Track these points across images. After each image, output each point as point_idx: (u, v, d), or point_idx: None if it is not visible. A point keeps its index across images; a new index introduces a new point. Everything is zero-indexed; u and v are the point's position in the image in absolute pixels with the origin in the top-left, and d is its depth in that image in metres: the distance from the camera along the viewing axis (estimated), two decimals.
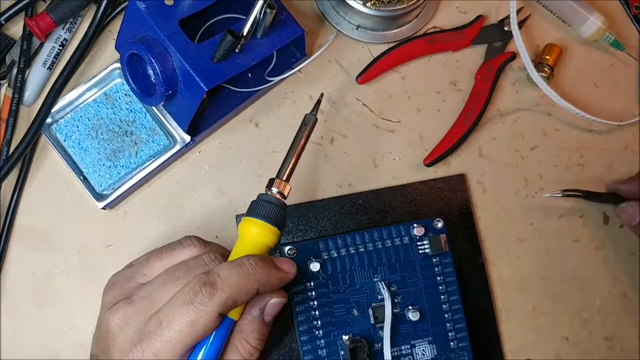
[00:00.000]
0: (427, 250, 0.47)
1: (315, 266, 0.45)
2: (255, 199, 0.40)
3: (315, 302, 0.45)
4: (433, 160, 0.49)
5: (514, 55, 0.51)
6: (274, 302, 0.39)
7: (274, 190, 0.40)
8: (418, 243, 0.47)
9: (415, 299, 0.46)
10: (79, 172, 0.47)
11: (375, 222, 0.48)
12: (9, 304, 0.46)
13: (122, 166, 0.47)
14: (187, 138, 0.47)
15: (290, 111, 0.50)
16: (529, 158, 0.51)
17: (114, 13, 0.48)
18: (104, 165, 0.47)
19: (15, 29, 0.49)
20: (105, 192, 0.47)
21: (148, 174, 0.47)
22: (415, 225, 0.47)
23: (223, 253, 0.40)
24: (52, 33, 0.47)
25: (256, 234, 0.39)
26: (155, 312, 0.35)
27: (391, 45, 0.51)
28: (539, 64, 0.51)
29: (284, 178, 0.40)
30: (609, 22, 0.52)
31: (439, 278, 0.47)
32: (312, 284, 0.45)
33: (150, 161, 0.47)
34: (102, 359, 0.37)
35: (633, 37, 0.54)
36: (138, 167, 0.47)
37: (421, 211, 0.49)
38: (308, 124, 0.41)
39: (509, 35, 0.51)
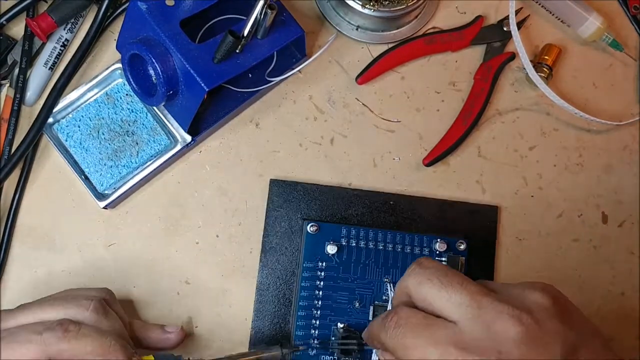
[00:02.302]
0: None
1: (332, 249, 0.46)
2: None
3: (322, 283, 0.46)
4: (432, 160, 0.49)
5: (513, 56, 0.51)
6: None
7: None
8: (437, 258, 0.47)
9: None
10: (80, 171, 0.47)
11: (400, 226, 0.48)
12: (10, 303, 0.46)
13: (124, 166, 0.47)
14: (188, 138, 0.47)
15: (290, 111, 0.50)
16: (528, 158, 0.51)
17: (115, 14, 0.49)
18: (105, 165, 0.47)
19: (17, 30, 0.49)
20: (106, 192, 0.47)
21: (149, 173, 0.47)
22: (439, 240, 0.47)
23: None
24: (53, 33, 0.48)
25: None
26: None
27: (391, 45, 0.51)
28: (538, 64, 0.51)
29: None
30: (607, 22, 0.52)
31: None
32: (324, 264, 0.46)
33: (152, 161, 0.47)
34: None
35: (632, 37, 0.54)
36: (139, 166, 0.47)
37: (449, 228, 0.48)
38: (268, 354, 0.43)
39: (508, 36, 0.51)
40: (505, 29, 0.52)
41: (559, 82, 0.52)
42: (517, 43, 0.50)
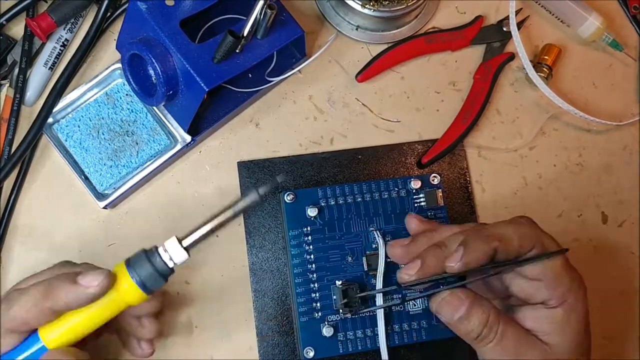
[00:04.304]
0: (422, 204, 0.47)
1: (313, 211, 0.46)
2: (148, 249, 0.36)
3: (311, 247, 0.46)
4: (431, 159, 0.49)
5: (512, 56, 0.51)
6: None
7: (167, 253, 0.36)
8: (414, 197, 0.47)
9: None
10: (80, 171, 0.47)
11: (373, 176, 0.49)
12: None
13: (123, 166, 0.47)
14: (188, 138, 0.47)
15: (290, 111, 0.50)
16: (528, 158, 0.51)
17: (115, 14, 0.49)
18: (105, 164, 0.47)
19: (17, 30, 0.49)
20: (106, 192, 0.47)
21: (149, 173, 0.47)
22: (412, 178, 0.47)
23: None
24: (53, 33, 0.48)
25: (124, 290, 0.36)
26: None
27: (391, 45, 0.51)
28: (537, 64, 0.51)
29: (185, 244, 0.36)
30: (607, 22, 0.52)
31: None
32: (309, 228, 0.46)
33: (151, 161, 0.47)
34: None
35: (631, 37, 0.54)
36: (139, 166, 0.47)
37: (419, 170, 0.50)
38: (246, 200, 0.36)
39: (508, 36, 0.51)
40: (505, 29, 0.52)
41: (558, 82, 0.53)
42: (518, 43, 0.50)
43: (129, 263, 0.36)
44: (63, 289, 0.35)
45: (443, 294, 0.40)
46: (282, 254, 0.47)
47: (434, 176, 0.48)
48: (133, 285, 0.35)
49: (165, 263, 0.36)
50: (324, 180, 0.49)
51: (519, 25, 0.52)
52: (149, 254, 0.36)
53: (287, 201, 0.46)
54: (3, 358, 0.36)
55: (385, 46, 0.51)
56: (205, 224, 0.36)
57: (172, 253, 0.36)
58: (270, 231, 0.48)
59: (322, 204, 0.47)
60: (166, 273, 0.36)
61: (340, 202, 0.47)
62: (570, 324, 0.39)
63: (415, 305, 0.46)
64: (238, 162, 0.48)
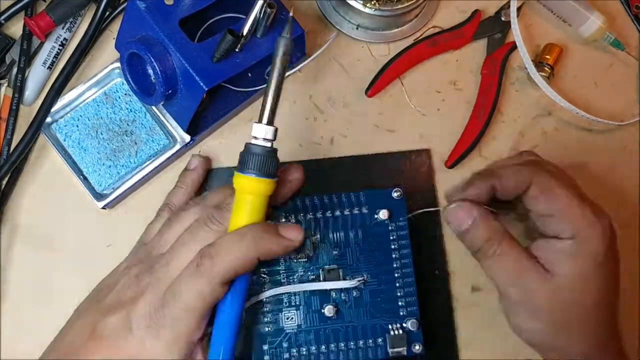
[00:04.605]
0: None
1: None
2: (243, 149, 0.39)
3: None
4: (455, 160, 0.49)
5: (515, 45, 0.51)
6: None
7: (259, 136, 0.38)
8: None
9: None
10: (78, 171, 0.47)
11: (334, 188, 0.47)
12: (9, 304, 0.46)
13: (122, 166, 0.47)
14: (187, 138, 0.47)
15: (290, 111, 0.50)
16: None
17: (114, 14, 0.48)
18: (103, 164, 0.47)
19: (15, 29, 0.49)
20: (105, 192, 0.47)
21: (148, 173, 0.47)
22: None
23: (220, 204, 0.41)
24: (52, 33, 0.48)
25: (253, 192, 0.38)
26: (170, 284, 0.38)
27: (391, 44, 0.51)
28: (539, 64, 0.51)
29: (265, 122, 0.38)
30: (609, 22, 0.52)
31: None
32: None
33: (150, 161, 0.47)
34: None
35: (633, 37, 0.54)
36: (138, 166, 0.47)
37: (385, 181, 0.49)
38: (284, 50, 0.38)
39: (507, 26, 0.51)
40: (503, 18, 0.52)
41: (560, 82, 0.52)
42: (519, 45, 0.50)
43: (241, 168, 0.38)
44: (271, 240, 0.39)
45: (455, 206, 0.41)
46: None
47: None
48: (259, 182, 0.38)
49: (263, 146, 0.38)
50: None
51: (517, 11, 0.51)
52: (249, 147, 0.38)
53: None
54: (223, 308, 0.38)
55: (386, 45, 0.51)
56: (266, 95, 0.38)
57: (262, 135, 0.38)
58: None
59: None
60: (271, 152, 0.38)
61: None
62: (577, 258, 0.39)
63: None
64: (210, 170, 0.48)
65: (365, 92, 0.50)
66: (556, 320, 0.39)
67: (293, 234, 0.40)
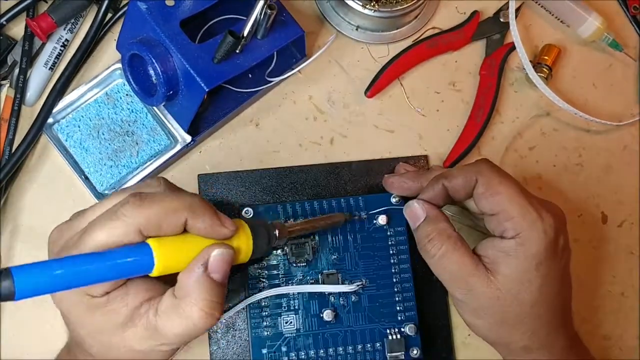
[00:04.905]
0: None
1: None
2: (269, 222, 0.41)
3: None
4: (454, 161, 0.49)
5: (514, 46, 0.51)
6: (216, 255, 0.35)
7: (277, 230, 0.40)
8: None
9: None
10: (80, 171, 0.47)
11: (334, 193, 0.48)
12: (9, 304, 0.46)
13: (123, 166, 0.47)
14: (188, 138, 0.47)
15: (290, 111, 0.50)
16: (527, 158, 0.51)
17: (115, 17, 0.49)
18: (105, 165, 0.47)
19: (17, 30, 0.49)
20: (106, 192, 0.47)
21: (149, 173, 0.47)
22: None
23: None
24: (53, 34, 0.48)
25: (244, 241, 0.38)
26: (86, 226, 0.35)
27: (390, 45, 0.51)
28: (537, 64, 0.51)
29: (289, 229, 0.41)
30: (607, 23, 0.52)
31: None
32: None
33: (151, 161, 0.47)
34: None
35: (631, 37, 0.54)
36: (139, 166, 0.47)
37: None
38: (337, 219, 0.44)
39: (506, 27, 0.52)
40: (502, 19, 0.52)
41: (558, 82, 0.53)
42: (518, 46, 0.50)
43: (253, 230, 0.39)
44: (205, 215, 0.35)
45: (411, 202, 0.43)
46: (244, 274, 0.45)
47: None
48: (249, 249, 0.38)
49: (276, 239, 0.40)
50: (285, 195, 0.48)
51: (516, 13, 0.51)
52: (268, 226, 0.40)
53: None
54: (112, 253, 0.33)
55: (386, 46, 0.51)
56: (306, 221, 0.43)
57: (279, 230, 0.40)
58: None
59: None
60: (271, 248, 0.40)
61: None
62: (518, 258, 0.40)
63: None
64: (199, 175, 0.48)
65: (365, 93, 0.50)
66: (497, 318, 0.41)
67: (227, 222, 0.36)
